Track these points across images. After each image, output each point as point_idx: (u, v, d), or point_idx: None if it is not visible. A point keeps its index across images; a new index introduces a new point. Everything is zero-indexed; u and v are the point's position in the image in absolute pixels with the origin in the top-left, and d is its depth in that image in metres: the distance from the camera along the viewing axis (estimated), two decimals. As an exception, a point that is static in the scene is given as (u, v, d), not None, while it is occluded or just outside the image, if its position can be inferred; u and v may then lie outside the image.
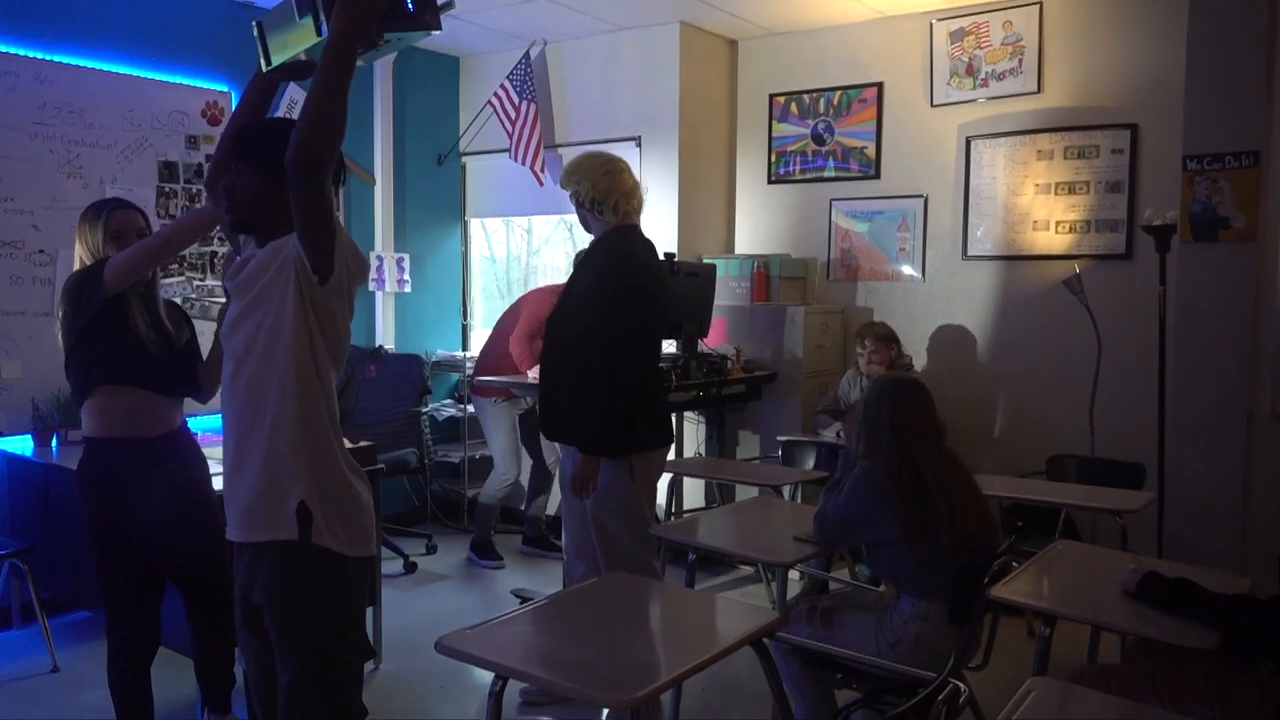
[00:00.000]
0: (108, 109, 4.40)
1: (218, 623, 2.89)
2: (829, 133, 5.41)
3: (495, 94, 5.63)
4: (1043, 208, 4.77)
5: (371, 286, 5.65)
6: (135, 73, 4.52)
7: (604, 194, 3.12)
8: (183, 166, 4.70)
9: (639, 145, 5.45)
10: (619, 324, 3.01)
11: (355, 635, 2.05)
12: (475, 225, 6.41)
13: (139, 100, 4.54)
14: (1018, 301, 4.84)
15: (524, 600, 4.17)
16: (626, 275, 3.07)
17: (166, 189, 4.62)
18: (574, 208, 3.23)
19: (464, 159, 6.20)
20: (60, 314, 2.65)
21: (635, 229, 3.22)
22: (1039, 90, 4.76)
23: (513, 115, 5.60)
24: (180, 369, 2.77)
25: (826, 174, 5.43)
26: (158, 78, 4.60)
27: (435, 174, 6.07)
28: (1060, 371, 4.70)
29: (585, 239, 3.43)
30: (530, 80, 5.58)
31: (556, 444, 3.35)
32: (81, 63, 4.32)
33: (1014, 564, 2.59)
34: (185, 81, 4.71)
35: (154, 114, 4.58)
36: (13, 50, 4.10)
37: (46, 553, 3.81)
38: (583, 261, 3.27)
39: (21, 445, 4.10)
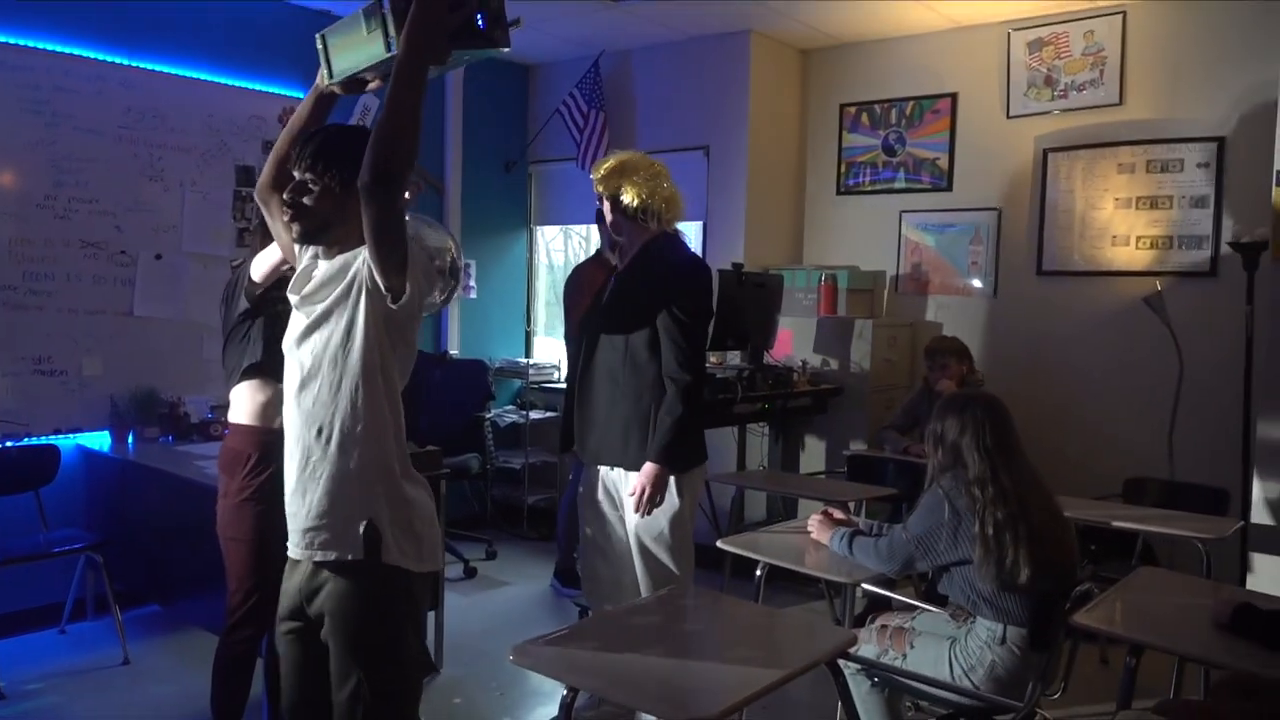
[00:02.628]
0: (189, 114, 4.50)
1: None
2: (900, 144, 5.33)
3: (564, 102, 5.66)
4: (1123, 222, 4.63)
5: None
6: (215, 79, 4.62)
7: (651, 198, 2.96)
8: (259, 171, 4.78)
9: (707, 154, 5.42)
10: (697, 332, 2.93)
11: (417, 650, 2.04)
12: (538, 232, 6.44)
13: (218, 106, 4.63)
14: (1095, 318, 4.71)
15: (583, 609, 4.16)
16: (703, 281, 3.00)
17: (243, 193, 4.71)
18: (606, 211, 3.02)
19: (531, 167, 6.23)
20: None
21: (681, 236, 3.15)
22: (1121, 102, 4.63)
23: (581, 124, 5.62)
24: None
25: (897, 185, 5.35)
26: (237, 84, 4.70)
27: (503, 181, 6.11)
28: (1139, 392, 4.56)
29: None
30: (599, 89, 5.60)
31: (602, 467, 3.08)
32: (165, 69, 4.42)
33: (1094, 590, 2.51)
34: (263, 88, 4.80)
35: (232, 119, 4.67)
36: (102, 57, 4.21)
37: (120, 547, 3.90)
38: (632, 269, 3.03)
39: (99, 441, 4.20)
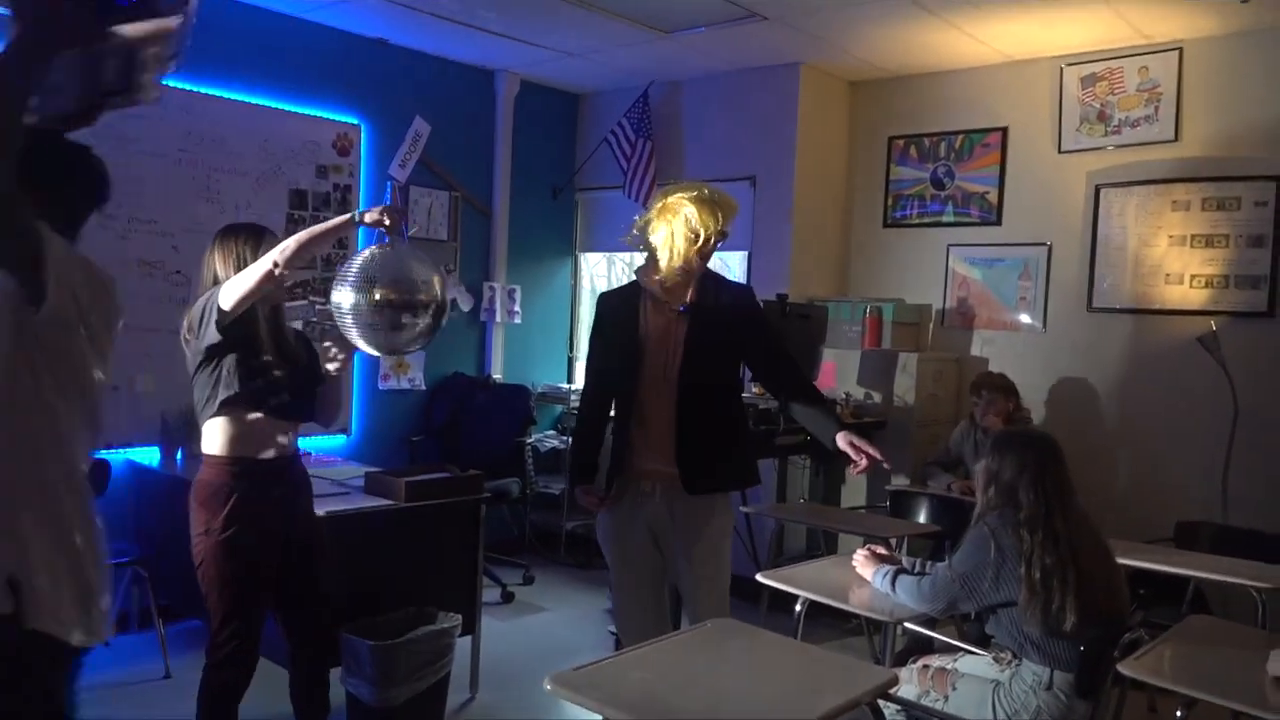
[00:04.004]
0: (246, 138, 4.61)
1: (316, 652, 2.95)
2: (949, 177, 5.29)
3: (612, 130, 5.71)
4: (1177, 260, 4.55)
5: (482, 317, 5.77)
6: (273, 104, 4.73)
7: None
8: (312, 195, 4.88)
9: (753, 185, 5.43)
10: None
11: None
12: (582, 259, 6.48)
13: (274, 131, 4.74)
14: (1146, 357, 4.62)
15: (618, 638, 4.13)
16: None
17: (296, 215, 4.80)
18: (711, 247, 2.88)
19: (577, 194, 6.28)
20: (186, 335, 2.67)
21: None
22: (1176, 138, 4.56)
23: (628, 152, 5.66)
24: (302, 394, 2.79)
25: (945, 219, 5.31)
26: (293, 109, 4.81)
27: (549, 208, 6.17)
28: (1191, 433, 4.45)
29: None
30: (648, 118, 5.64)
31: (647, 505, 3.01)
32: (224, 94, 4.54)
33: (1144, 637, 2.44)
34: (317, 113, 4.91)
35: (288, 144, 4.78)
36: (164, 81, 4.32)
37: (166, 561, 3.95)
38: (706, 301, 2.94)
39: (149, 456, 4.28)
